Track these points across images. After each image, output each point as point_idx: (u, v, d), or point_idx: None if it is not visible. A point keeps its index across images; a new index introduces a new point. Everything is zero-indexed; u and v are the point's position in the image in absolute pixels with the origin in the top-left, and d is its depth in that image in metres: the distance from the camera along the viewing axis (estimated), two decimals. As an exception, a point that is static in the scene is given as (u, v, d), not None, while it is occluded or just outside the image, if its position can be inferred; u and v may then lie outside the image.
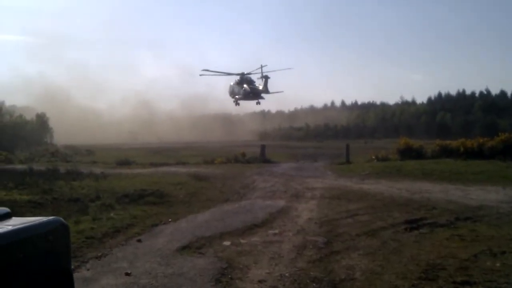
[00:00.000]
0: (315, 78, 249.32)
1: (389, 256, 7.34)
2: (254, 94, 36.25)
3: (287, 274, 6.44)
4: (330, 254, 7.58)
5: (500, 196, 13.81)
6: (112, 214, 11.06)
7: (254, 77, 36.00)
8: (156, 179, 19.31)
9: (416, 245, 8.07)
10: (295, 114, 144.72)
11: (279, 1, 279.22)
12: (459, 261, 6.82)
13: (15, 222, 3.22)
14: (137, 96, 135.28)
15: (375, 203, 12.88)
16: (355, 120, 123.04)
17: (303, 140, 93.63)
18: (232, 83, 37.87)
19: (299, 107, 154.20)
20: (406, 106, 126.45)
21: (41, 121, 65.51)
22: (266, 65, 34.70)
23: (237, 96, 37.71)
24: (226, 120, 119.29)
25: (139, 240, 8.57)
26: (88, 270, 6.63)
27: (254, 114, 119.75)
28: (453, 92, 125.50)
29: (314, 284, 6.02)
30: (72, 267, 6.45)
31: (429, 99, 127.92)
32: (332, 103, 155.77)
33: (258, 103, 38.36)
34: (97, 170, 23.31)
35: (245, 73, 36.00)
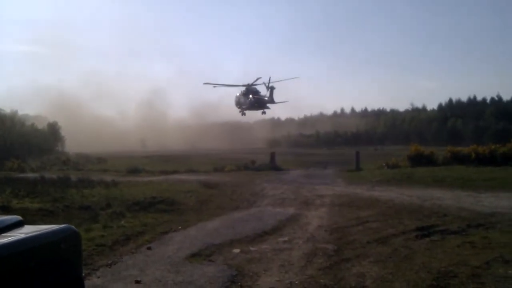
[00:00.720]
0: (325, 85, 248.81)
1: (400, 264, 7.27)
2: (259, 104, 37.03)
3: (297, 282, 6.41)
4: (341, 261, 7.54)
5: (513, 202, 13.64)
6: (122, 222, 11.13)
7: (260, 87, 36.64)
8: (166, 187, 19.39)
9: (427, 252, 7.99)
10: (305, 121, 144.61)
11: (289, 9, 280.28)
12: (471, 269, 6.74)
13: (28, 230, 3.27)
14: (148, 104, 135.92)
15: (385, 210, 12.80)
16: (365, 127, 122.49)
17: (313, 147, 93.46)
18: (238, 94, 38.62)
19: (309, 114, 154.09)
20: (417, 113, 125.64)
21: (53, 130, 66.13)
22: (270, 77, 35.42)
23: (243, 106, 38.52)
24: (236, 128, 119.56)
25: (149, 248, 8.60)
26: (98, 277, 6.67)
27: (264, 122, 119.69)
28: (464, 98, 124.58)
29: (324, 292, 5.99)
30: (83, 274, 6.53)
31: (440, 106, 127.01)
32: (342, 110, 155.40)
33: (263, 113, 39.22)
34: (108, 178, 23.44)
35: (251, 84, 36.57)
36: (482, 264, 6.97)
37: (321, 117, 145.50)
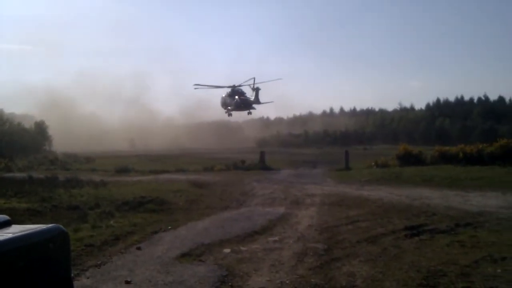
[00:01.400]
0: (314, 85, 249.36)
1: (390, 263, 7.31)
2: (245, 105, 37.99)
3: (287, 281, 6.41)
4: (331, 261, 7.56)
5: (500, 201, 13.80)
6: (111, 222, 11.04)
7: (245, 88, 37.59)
8: (155, 187, 19.28)
9: (416, 251, 8.05)
10: (294, 120, 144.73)
11: (278, 8, 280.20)
12: (460, 267, 6.80)
13: (15, 230, 3.21)
14: (137, 103, 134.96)
15: (375, 210, 12.87)
16: (354, 126, 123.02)
17: (302, 146, 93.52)
18: (224, 95, 39.55)
19: (298, 113, 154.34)
20: (405, 113, 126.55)
21: (40, 129, 65.39)
22: (254, 78, 36.46)
23: (229, 107, 39.42)
24: (225, 127, 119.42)
25: (138, 248, 8.54)
26: (88, 278, 6.60)
27: (253, 121, 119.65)
28: (452, 98, 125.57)
29: (315, 291, 5.99)
30: (72, 275, 6.45)
31: (428, 105, 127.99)
32: (331, 109, 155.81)
33: (249, 113, 40.19)
34: (97, 177, 23.27)
35: (236, 85, 37.62)
36: (471, 263, 7.04)
37: (310, 117, 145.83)
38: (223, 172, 30.56)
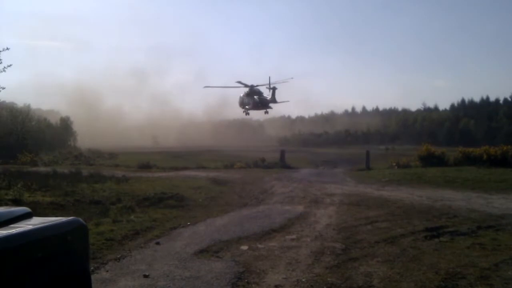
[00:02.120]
0: (336, 83, 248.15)
1: (408, 264, 7.25)
2: (262, 104, 39.10)
3: (303, 280, 6.42)
4: (348, 260, 7.53)
5: (524, 205, 13.49)
6: (132, 217, 11.21)
7: (262, 88, 38.68)
8: (176, 183, 19.48)
9: (436, 253, 7.95)
10: (315, 119, 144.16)
11: (300, 6, 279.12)
12: (479, 270, 6.70)
13: (35, 222, 3.32)
14: (161, 100, 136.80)
15: (395, 210, 12.74)
16: (377, 126, 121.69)
17: (323, 146, 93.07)
18: (242, 95, 40.70)
19: (319, 112, 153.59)
20: (429, 113, 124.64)
21: (65, 125, 66.78)
22: (270, 77, 37.50)
23: (247, 107, 40.59)
24: (246, 125, 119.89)
25: (158, 243, 8.67)
26: (107, 271, 6.73)
27: (274, 120, 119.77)
28: (477, 98, 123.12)
29: (330, 290, 5.99)
30: (92, 268, 6.60)
31: (452, 106, 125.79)
32: (353, 108, 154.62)
33: (266, 112, 41.73)
34: (119, 173, 23.64)
35: (254, 85, 38.48)
36: (491, 266, 6.93)
37: (332, 116, 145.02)
38: (243, 169, 30.67)
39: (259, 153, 43.09)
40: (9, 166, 28.18)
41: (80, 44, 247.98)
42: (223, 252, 8.01)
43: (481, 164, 25.41)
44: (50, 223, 3.32)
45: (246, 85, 38.64)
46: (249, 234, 9.57)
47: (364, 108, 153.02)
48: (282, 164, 34.32)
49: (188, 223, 10.81)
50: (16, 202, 11.93)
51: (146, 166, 31.23)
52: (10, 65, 14.40)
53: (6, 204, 10.87)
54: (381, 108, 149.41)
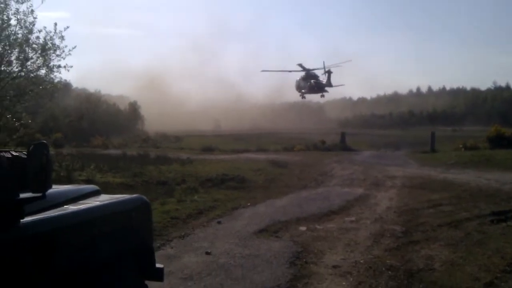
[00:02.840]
0: (400, 63, 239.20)
1: (472, 248, 7.04)
2: (318, 88, 39.68)
3: (362, 261, 6.45)
4: (408, 243, 7.43)
5: None
6: (195, 197, 11.67)
7: (318, 72, 39.16)
8: (237, 165, 19.90)
9: (502, 237, 7.64)
10: (378, 100, 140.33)
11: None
12: (548, 256, 6.40)
13: (103, 199, 3.60)
14: (224, 84, 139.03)
15: (460, 194, 12.30)
16: (443, 106, 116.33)
17: (386, 128, 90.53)
18: (298, 79, 41.32)
19: (382, 93, 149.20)
20: (500, 92, 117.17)
21: (133, 109, 69.67)
22: (324, 61, 38.03)
23: (303, 90, 41.35)
24: (306, 108, 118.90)
25: (219, 222, 8.99)
26: (172, 248, 7.11)
27: (335, 102, 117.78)
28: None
29: (389, 272, 5.97)
30: (158, 244, 7.02)
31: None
32: (418, 88, 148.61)
33: (322, 96, 42.45)
34: (184, 155, 24.48)
35: (310, 69, 38.92)
36: (561, 251, 6.59)
37: (395, 96, 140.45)
38: (302, 152, 30.71)
39: (319, 136, 42.79)
40: (83, 149, 30.01)
41: (147, 31, 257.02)
42: (282, 232, 8.18)
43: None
44: (116, 200, 3.58)
45: (304, 69, 39.03)
46: (307, 215, 9.66)
47: (429, 88, 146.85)
48: (343, 146, 33.99)
49: (249, 204, 11.08)
50: (89, 182, 12.76)
51: (208, 149, 32.11)
52: (74, 47, 15.23)
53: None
54: (448, 87, 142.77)
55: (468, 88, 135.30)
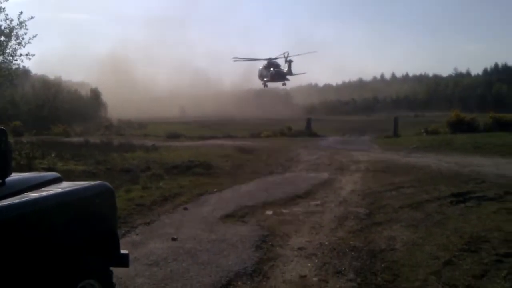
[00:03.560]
0: (364, 50, 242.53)
1: (432, 228, 7.27)
2: (279, 76, 41.19)
3: (326, 243, 6.56)
4: (372, 225, 7.61)
5: (556, 169, 13.17)
6: (161, 184, 11.54)
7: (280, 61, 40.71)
8: (203, 152, 19.82)
9: (461, 218, 7.91)
10: (343, 87, 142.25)
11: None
12: (504, 234, 6.66)
13: (64, 186, 3.51)
14: (190, 70, 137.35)
15: (421, 177, 12.65)
16: (406, 93, 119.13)
17: (351, 113, 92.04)
18: (260, 67, 42.63)
19: (347, 80, 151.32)
20: (460, 78, 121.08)
21: (95, 96, 67.90)
22: (287, 51, 39.86)
23: (265, 79, 42.68)
24: (273, 95, 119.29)
25: (185, 208, 8.94)
26: (137, 235, 7.03)
27: (301, 88, 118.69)
28: (511, 62, 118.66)
29: (353, 253, 6.11)
30: (123, 231, 6.92)
31: (485, 71, 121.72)
32: (382, 75, 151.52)
33: (284, 84, 44.18)
34: (149, 142, 24.15)
35: (272, 58, 40.39)
36: (516, 230, 6.88)
37: (360, 83, 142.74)
38: (269, 138, 30.90)
39: (286, 122, 43.10)
40: (43, 137, 29.14)
41: (110, 16, 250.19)
42: (249, 217, 8.22)
43: (512, 130, 24.76)
44: (78, 186, 3.50)
45: (266, 59, 40.47)
46: (274, 200, 9.74)
47: (393, 75, 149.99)
48: (309, 132, 34.33)
49: (215, 190, 11.06)
50: (50, 170, 12.37)
51: (174, 136, 31.81)
52: (35, 36, 14.76)
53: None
54: (411, 74, 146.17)
55: (431, 74, 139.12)
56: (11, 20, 14.50)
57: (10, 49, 14.90)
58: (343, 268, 5.52)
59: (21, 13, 14.40)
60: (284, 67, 41.28)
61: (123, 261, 3.86)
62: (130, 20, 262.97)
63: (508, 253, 5.81)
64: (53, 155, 16.06)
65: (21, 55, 15.00)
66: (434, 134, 27.93)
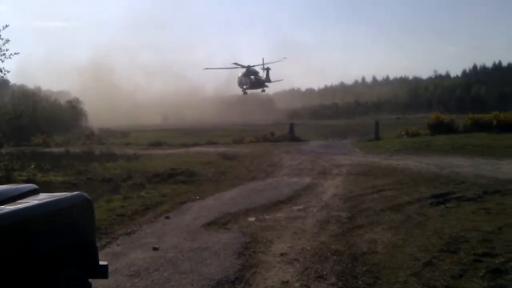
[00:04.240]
0: (345, 54, 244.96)
1: (413, 230, 7.36)
2: (259, 83, 42.39)
3: (308, 248, 6.58)
4: (353, 228, 7.66)
5: (533, 169, 13.46)
6: (142, 193, 11.43)
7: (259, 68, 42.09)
8: (186, 159, 19.71)
9: (441, 219, 8.03)
10: (325, 91, 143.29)
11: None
12: (482, 234, 6.78)
13: (41, 197, 3.47)
14: (173, 79, 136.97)
15: (402, 179, 12.80)
16: (387, 96, 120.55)
17: (333, 117, 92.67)
18: (240, 75, 43.46)
19: (329, 84, 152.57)
20: (440, 80, 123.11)
21: (75, 105, 67.05)
22: (263, 58, 41.10)
23: (244, 86, 43.72)
24: (255, 100, 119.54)
25: (167, 217, 8.87)
26: (118, 245, 6.95)
27: (284, 93, 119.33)
28: (489, 64, 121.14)
29: (334, 257, 6.14)
30: (103, 242, 6.84)
31: (464, 72, 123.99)
32: (363, 79, 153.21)
33: (263, 91, 45.31)
34: (130, 151, 23.96)
35: (251, 65, 41.54)
36: (495, 229, 7.00)
37: (342, 87, 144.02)
38: (252, 144, 30.86)
39: (269, 127, 43.15)
40: (23, 148, 28.65)
41: (87, 23, 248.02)
42: (231, 224, 8.20)
43: (490, 130, 25.25)
44: (55, 198, 3.46)
45: (242, 66, 41.26)
46: (256, 206, 9.74)
47: (374, 78, 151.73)
48: (291, 137, 34.46)
49: (198, 197, 11.01)
50: (29, 182, 12.15)
51: (156, 144, 31.58)
52: (17, 53, 14.59)
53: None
54: (391, 77, 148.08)
55: (411, 77, 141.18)
56: None
57: None
58: (325, 273, 5.55)
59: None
60: (262, 74, 42.34)
61: (102, 272, 3.83)
62: (110, 27, 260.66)
63: (486, 253, 5.91)
64: (32, 166, 15.79)
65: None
66: (414, 136, 28.31)
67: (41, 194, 3.65)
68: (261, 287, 5.21)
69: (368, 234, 7.24)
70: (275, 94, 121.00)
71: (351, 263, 5.87)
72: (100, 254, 6.08)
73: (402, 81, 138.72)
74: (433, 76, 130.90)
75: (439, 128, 28.57)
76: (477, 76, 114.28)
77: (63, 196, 3.54)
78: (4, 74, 14.93)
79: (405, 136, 29.05)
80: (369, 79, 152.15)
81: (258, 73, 42.54)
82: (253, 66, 42.85)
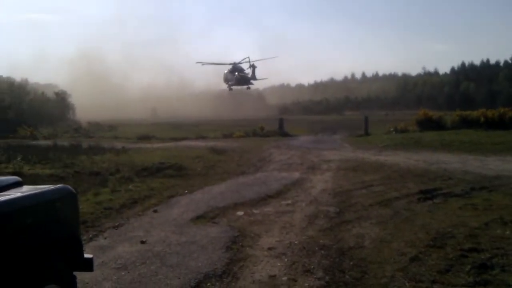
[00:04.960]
0: (335, 50, 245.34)
1: (400, 225, 7.40)
2: (244, 81, 42.84)
3: (296, 242, 6.58)
4: (341, 223, 7.68)
5: (519, 166, 13.62)
6: (130, 187, 11.33)
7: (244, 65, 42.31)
8: (175, 153, 19.58)
9: (428, 214, 8.09)
10: (315, 87, 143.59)
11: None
12: (469, 229, 6.84)
13: (24, 190, 3.40)
14: (163, 72, 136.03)
15: (391, 174, 12.87)
16: (376, 92, 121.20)
17: (323, 113, 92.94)
18: (226, 71, 44.00)
19: (319, 80, 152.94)
20: (429, 77, 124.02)
21: (62, 98, 66.40)
22: (249, 56, 41.56)
23: (230, 83, 44.33)
24: (245, 95, 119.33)
25: (155, 211, 8.81)
26: (105, 238, 6.89)
27: (274, 89, 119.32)
28: (478, 61, 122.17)
29: (322, 252, 6.15)
30: (90, 235, 6.77)
31: (453, 69, 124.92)
32: (353, 75, 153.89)
33: (248, 88, 45.79)
34: (118, 145, 23.73)
35: (236, 62, 41.92)
36: (481, 225, 7.07)
37: (331, 82, 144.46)
38: (242, 138, 30.82)
39: (258, 122, 43.13)
40: (9, 140, 28.28)
41: (80, 17, 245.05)
42: (219, 218, 8.17)
43: (478, 127, 25.52)
44: (38, 190, 3.39)
45: (231, 63, 41.65)
46: (245, 200, 9.72)
47: (363, 74, 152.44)
48: (281, 132, 34.50)
49: (186, 191, 10.95)
50: (16, 175, 11.98)
51: (145, 137, 31.37)
52: None
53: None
54: (381, 73, 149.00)
55: (400, 73, 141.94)
56: None
57: None
58: (312, 267, 5.55)
59: None
60: (248, 72, 42.76)
61: (87, 265, 3.77)
62: (98, 19, 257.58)
63: (472, 248, 5.97)
64: (19, 158, 15.56)
65: None
66: (403, 132, 28.52)
67: (24, 186, 3.59)
68: (249, 281, 5.19)
69: (356, 229, 7.27)
70: (265, 89, 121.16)
71: (339, 258, 5.88)
72: (87, 247, 6.08)
73: (391, 78, 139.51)
74: (422, 73, 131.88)
75: (427, 124, 28.82)
76: (466, 74, 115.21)
77: (47, 188, 3.47)
78: None
79: (394, 132, 29.27)
80: (358, 75, 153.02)
81: (244, 70, 42.87)
82: (239, 63, 43.19)
